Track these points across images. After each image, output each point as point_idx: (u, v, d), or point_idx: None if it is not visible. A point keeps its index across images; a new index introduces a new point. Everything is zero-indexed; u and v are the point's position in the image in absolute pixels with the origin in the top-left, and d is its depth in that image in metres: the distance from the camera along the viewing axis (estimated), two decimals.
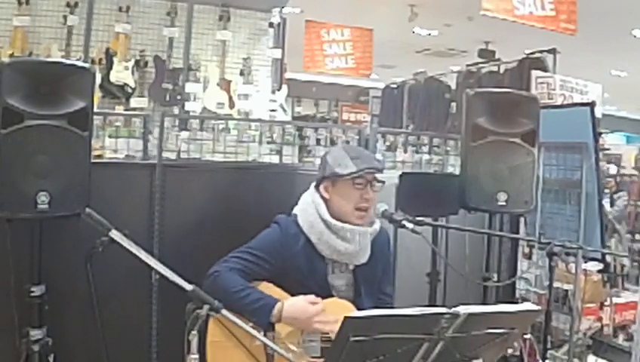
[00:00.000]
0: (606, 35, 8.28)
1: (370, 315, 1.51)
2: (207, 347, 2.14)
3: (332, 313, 2.17)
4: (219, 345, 2.13)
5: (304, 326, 2.15)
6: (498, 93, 3.00)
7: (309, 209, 2.31)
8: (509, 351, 2.87)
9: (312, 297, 2.20)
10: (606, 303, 4.38)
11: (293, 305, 2.16)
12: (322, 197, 2.32)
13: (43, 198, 2.06)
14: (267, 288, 2.24)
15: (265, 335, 2.13)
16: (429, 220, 2.55)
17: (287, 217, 2.36)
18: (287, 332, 2.19)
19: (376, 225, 2.34)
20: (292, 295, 2.22)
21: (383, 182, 2.34)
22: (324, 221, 2.27)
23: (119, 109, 4.50)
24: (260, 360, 2.11)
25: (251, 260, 2.23)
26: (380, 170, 2.31)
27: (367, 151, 2.41)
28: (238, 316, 2.11)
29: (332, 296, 2.30)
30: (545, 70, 5.21)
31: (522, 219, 3.78)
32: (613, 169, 6.85)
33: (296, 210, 2.37)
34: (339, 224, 2.26)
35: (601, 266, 4.12)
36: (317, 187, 2.35)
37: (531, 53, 5.62)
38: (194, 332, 1.62)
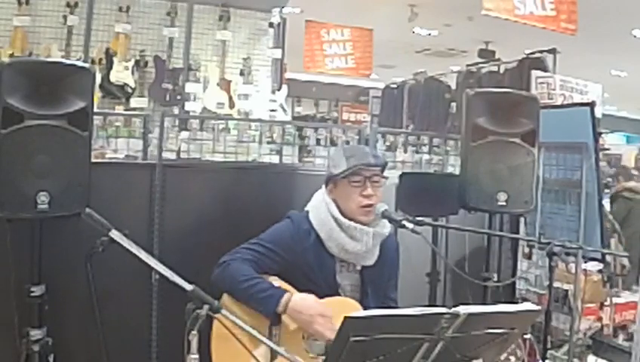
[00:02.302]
0: (606, 35, 8.28)
1: (370, 315, 1.51)
2: (212, 340, 2.14)
3: (339, 311, 2.17)
4: (225, 338, 2.13)
5: (306, 324, 2.13)
6: (498, 93, 3.01)
7: (321, 206, 2.33)
8: (512, 359, 2.88)
9: (323, 300, 2.20)
10: (606, 303, 4.37)
11: (303, 300, 2.15)
12: (330, 197, 2.34)
13: (43, 198, 2.06)
14: (275, 282, 2.23)
15: (270, 329, 2.14)
16: (429, 220, 2.55)
17: (299, 213, 2.38)
18: (296, 327, 2.18)
19: (386, 230, 2.34)
20: (301, 291, 2.23)
21: (385, 177, 2.34)
22: (335, 219, 2.28)
23: (119, 109, 4.51)
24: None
25: (262, 252, 2.24)
26: (375, 166, 2.30)
27: (365, 149, 2.40)
28: (242, 311, 2.13)
29: (339, 294, 2.31)
30: (545, 70, 5.20)
31: (522, 219, 3.78)
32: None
33: (308, 207, 2.39)
34: (348, 222, 2.27)
35: (601, 266, 4.12)
36: (325, 187, 2.38)
37: (531, 53, 5.62)
38: (194, 332, 1.62)
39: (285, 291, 2.16)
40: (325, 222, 2.29)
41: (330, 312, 2.16)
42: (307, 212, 2.37)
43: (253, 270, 2.19)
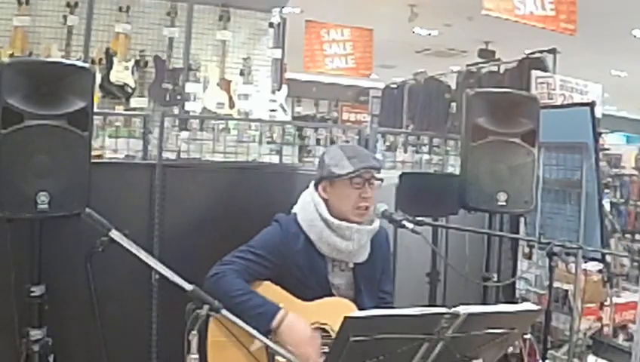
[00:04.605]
0: (606, 35, 8.27)
1: (370, 315, 1.51)
2: (208, 347, 2.14)
3: (333, 312, 2.17)
4: (219, 345, 2.13)
5: (295, 343, 2.09)
6: (498, 93, 3.00)
7: (308, 208, 2.32)
8: (510, 348, 2.87)
9: (316, 301, 2.21)
10: (606, 303, 4.38)
11: (297, 320, 2.13)
12: (321, 196, 2.32)
13: (43, 198, 2.06)
14: (268, 288, 2.24)
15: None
16: (429, 220, 2.55)
17: (287, 216, 2.36)
18: None
19: (376, 224, 2.34)
20: (293, 294, 2.23)
21: (381, 179, 2.34)
22: (324, 219, 2.27)
23: (119, 109, 4.50)
24: (261, 361, 2.11)
25: (253, 259, 2.23)
26: (378, 169, 2.30)
27: (364, 150, 2.40)
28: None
29: (332, 294, 2.30)
30: (545, 70, 5.20)
31: (522, 219, 3.78)
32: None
33: (295, 209, 2.37)
34: (338, 222, 2.26)
35: (601, 266, 4.12)
36: (316, 187, 2.36)
37: (531, 53, 5.62)
38: (194, 332, 1.62)
39: (279, 307, 2.14)
40: (314, 224, 2.28)
41: (318, 341, 2.15)
42: (295, 214, 2.35)
43: (245, 283, 2.18)
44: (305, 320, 2.16)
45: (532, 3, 5.48)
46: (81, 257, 1.96)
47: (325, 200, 2.31)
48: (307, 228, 2.29)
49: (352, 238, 2.26)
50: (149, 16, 4.87)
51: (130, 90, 4.69)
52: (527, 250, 3.96)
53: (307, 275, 2.26)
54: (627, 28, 8.32)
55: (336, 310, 2.15)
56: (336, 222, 2.26)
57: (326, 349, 2.15)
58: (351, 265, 2.35)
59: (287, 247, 2.27)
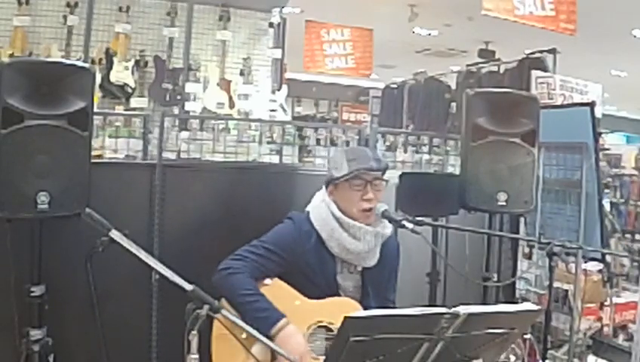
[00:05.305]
0: (606, 35, 8.28)
1: (370, 315, 1.52)
2: (213, 340, 2.15)
3: (339, 311, 2.17)
4: (224, 338, 2.13)
5: (290, 352, 2.07)
6: (498, 93, 3.00)
7: (321, 206, 2.34)
8: (512, 358, 2.88)
9: (324, 300, 2.21)
10: (606, 303, 4.38)
11: (295, 334, 2.12)
12: (330, 198, 2.35)
13: (43, 198, 2.06)
14: (275, 285, 2.24)
15: None
16: (429, 220, 2.55)
17: (300, 214, 2.38)
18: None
19: (387, 230, 2.35)
20: (300, 292, 2.24)
21: (386, 180, 2.34)
22: (336, 218, 2.29)
23: (119, 109, 4.50)
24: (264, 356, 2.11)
25: (264, 255, 2.24)
26: (375, 170, 2.29)
27: (367, 152, 2.39)
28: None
29: (339, 295, 2.31)
30: (545, 70, 5.20)
31: (522, 219, 3.78)
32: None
33: (309, 208, 2.39)
34: (350, 221, 2.27)
35: (601, 266, 4.12)
36: (326, 189, 2.38)
37: (531, 53, 5.62)
38: (194, 332, 1.62)
39: (282, 315, 2.14)
40: (327, 222, 2.29)
41: (310, 357, 2.14)
42: (308, 212, 2.37)
43: (254, 282, 2.19)
44: (302, 336, 2.16)
45: (532, 3, 5.48)
46: (81, 257, 1.96)
47: (335, 202, 2.33)
48: (319, 226, 2.30)
49: (363, 239, 2.27)
50: (149, 16, 4.86)
51: (130, 90, 4.69)
52: (527, 250, 3.96)
53: (316, 274, 2.28)
54: (627, 28, 8.32)
55: (342, 309, 2.15)
56: (348, 220, 2.28)
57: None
58: (359, 269, 2.36)
59: (298, 245, 2.28)
